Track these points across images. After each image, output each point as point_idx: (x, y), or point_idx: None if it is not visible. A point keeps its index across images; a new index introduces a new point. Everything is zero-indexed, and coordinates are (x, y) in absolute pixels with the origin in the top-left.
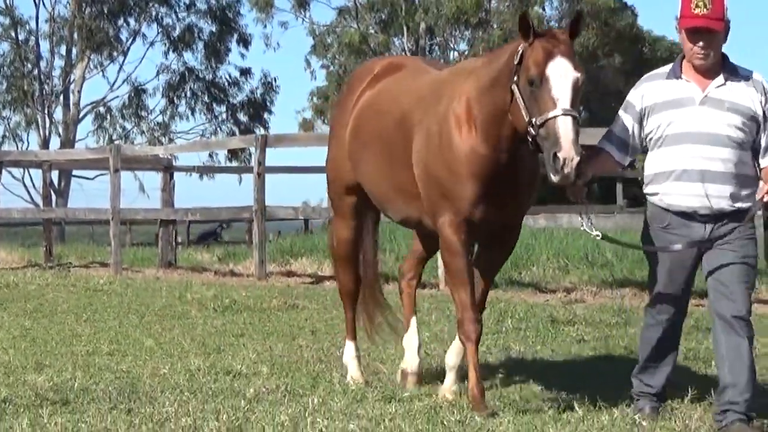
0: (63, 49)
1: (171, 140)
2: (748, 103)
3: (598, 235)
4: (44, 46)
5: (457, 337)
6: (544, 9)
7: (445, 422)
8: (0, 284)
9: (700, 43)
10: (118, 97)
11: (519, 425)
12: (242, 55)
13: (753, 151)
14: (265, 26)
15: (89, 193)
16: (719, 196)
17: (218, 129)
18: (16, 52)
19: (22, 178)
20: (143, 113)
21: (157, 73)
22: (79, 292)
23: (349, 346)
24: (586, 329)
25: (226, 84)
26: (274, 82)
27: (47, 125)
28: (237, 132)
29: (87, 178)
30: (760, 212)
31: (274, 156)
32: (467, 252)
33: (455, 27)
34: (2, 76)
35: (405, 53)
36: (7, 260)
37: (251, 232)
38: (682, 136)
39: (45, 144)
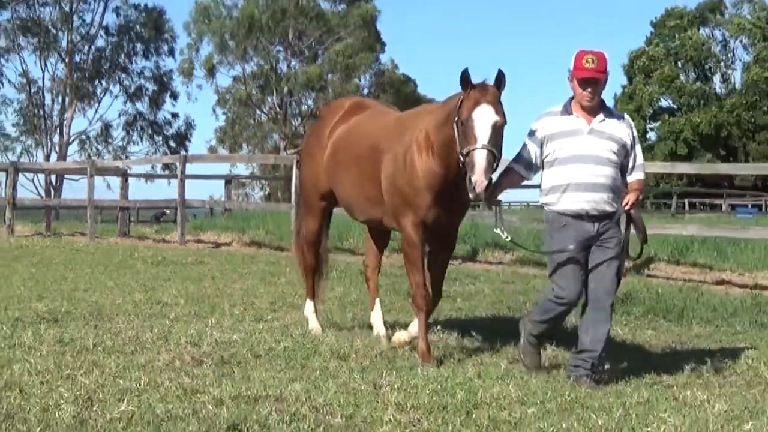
0: (59, 99)
1: (127, 157)
2: (621, 135)
3: (508, 238)
4: (47, 96)
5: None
6: (360, 80)
7: (293, 335)
8: (16, 246)
9: (588, 89)
10: (94, 129)
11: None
12: (173, 104)
13: (621, 169)
14: (188, 87)
15: (75, 189)
16: (603, 201)
17: (157, 151)
18: (29, 100)
19: (33, 180)
20: (109, 140)
21: (119, 115)
22: (67, 251)
23: (309, 304)
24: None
25: (162, 122)
26: (192, 122)
27: (48, 146)
28: (168, 152)
29: (74, 180)
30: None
31: (191, 168)
32: (423, 245)
33: (305, 90)
34: (21, 114)
35: (275, 107)
36: (22, 231)
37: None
38: (575, 157)
39: (47, 158)
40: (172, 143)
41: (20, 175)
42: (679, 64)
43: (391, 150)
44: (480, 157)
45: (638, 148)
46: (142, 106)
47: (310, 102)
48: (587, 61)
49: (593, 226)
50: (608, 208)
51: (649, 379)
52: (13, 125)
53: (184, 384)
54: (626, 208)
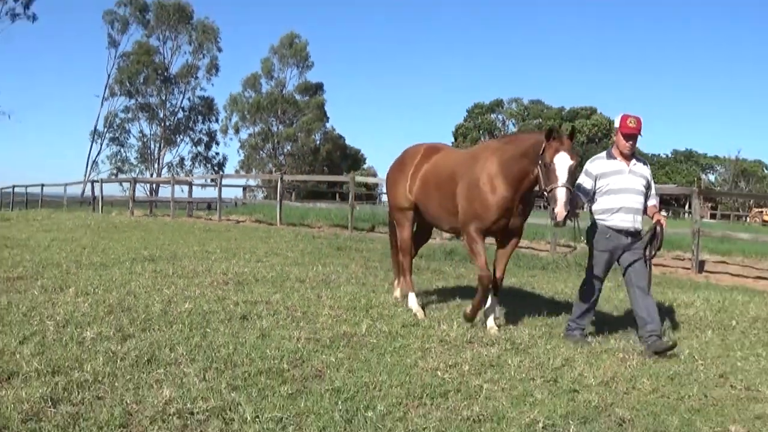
0: (158, 144)
1: (192, 175)
2: (646, 174)
3: (584, 241)
4: (152, 143)
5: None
6: (315, 137)
7: (276, 270)
8: (134, 222)
9: (630, 142)
10: (175, 160)
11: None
12: (216, 147)
13: (645, 198)
14: (224, 138)
15: (165, 192)
16: (638, 222)
17: (208, 172)
18: (143, 145)
19: (143, 186)
20: (183, 166)
21: (188, 153)
22: (159, 224)
23: (412, 296)
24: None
25: (211, 157)
26: (226, 157)
27: (152, 169)
28: (213, 173)
29: (164, 187)
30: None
31: (225, 181)
32: (483, 240)
33: (286, 141)
34: (139, 153)
35: (270, 150)
36: (137, 214)
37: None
38: (622, 189)
39: (151, 175)
40: (215, 168)
41: (137, 184)
42: (481, 131)
43: (465, 177)
44: (560, 194)
45: (653, 182)
46: (200, 148)
47: (288, 147)
48: (630, 122)
49: (627, 238)
50: (639, 227)
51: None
52: (135, 158)
53: (217, 294)
54: (661, 222)
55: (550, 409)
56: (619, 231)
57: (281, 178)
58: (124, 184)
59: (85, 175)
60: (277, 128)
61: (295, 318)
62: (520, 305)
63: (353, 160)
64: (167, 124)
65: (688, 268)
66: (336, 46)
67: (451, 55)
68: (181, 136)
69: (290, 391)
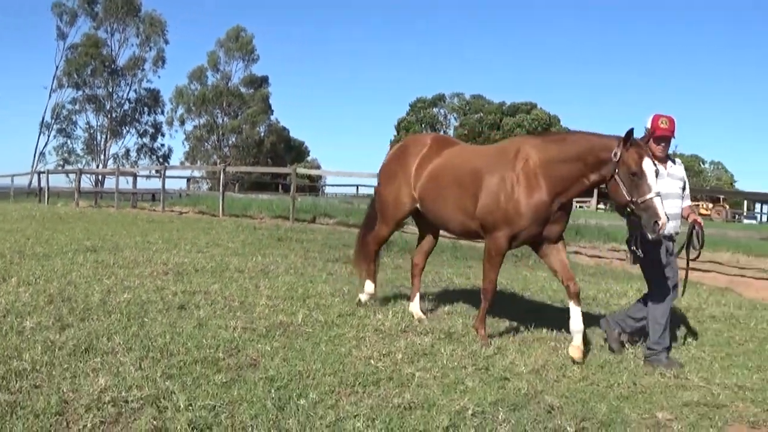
0: (104, 136)
1: (137, 167)
2: (682, 175)
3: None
4: (98, 134)
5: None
6: (260, 128)
7: (216, 260)
8: (79, 213)
9: (662, 144)
10: (120, 152)
11: None
12: (162, 139)
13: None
14: (170, 130)
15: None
16: (678, 226)
17: (153, 163)
18: (90, 136)
19: (89, 178)
20: (128, 157)
21: (134, 145)
22: (104, 215)
23: (369, 284)
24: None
25: (156, 149)
26: (171, 149)
27: (97, 161)
28: (158, 164)
29: (109, 178)
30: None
31: (170, 173)
32: (506, 253)
33: (231, 133)
34: (85, 144)
35: (215, 142)
36: (82, 205)
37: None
38: (663, 195)
39: (97, 167)
40: (160, 160)
41: (83, 175)
42: (423, 125)
43: (495, 174)
44: (658, 204)
45: (687, 183)
46: (146, 140)
47: (233, 139)
48: (663, 123)
49: (671, 243)
50: (678, 231)
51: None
52: (81, 150)
53: (157, 284)
54: (698, 221)
55: (481, 396)
56: (665, 238)
57: (224, 170)
58: (70, 175)
59: (33, 167)
60: (222, 120)
61: (232, 308)
62: (455, 295)
63: (297, 152)
64: (114, 115)
65: (623, 260)
66: (282, 39)
67: (395, 50)
68: (127, 128)
69: (224, 380)
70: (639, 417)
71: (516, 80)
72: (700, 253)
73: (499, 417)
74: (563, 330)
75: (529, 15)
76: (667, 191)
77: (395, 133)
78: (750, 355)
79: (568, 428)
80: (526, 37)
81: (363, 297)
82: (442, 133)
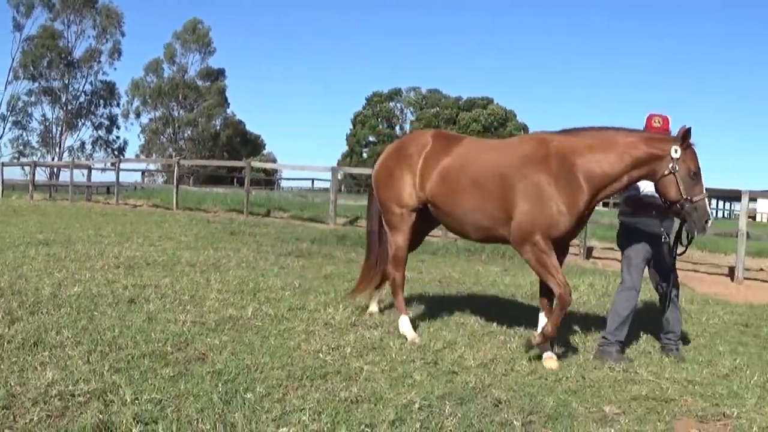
0: (59, 128)
1: (92, 159)
2: None
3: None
4: (54, 127)
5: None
6: (216, 122)
7: (168, 254)
8: (33, 205)
9: None
10: (76, 144)
11: None
12: (117, 131)
13: None
14: (126, 122)
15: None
16: (668, 227)
17: (108, 156)
18: (45, 128)
19: (44, 170)
20: (84, 150)
21: (89, 137)
22: (58, 208)
23: (404, 319)
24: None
25: (111, 141)
26: (127, 141)
27: (53, 153)
28: (114, 157)
29: (64, 170)
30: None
31: (125, 165)
32: (552, 250)
33: (187, 127)
34: (40, 136)
35: (170, 135)
36: (36, 198)
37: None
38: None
39: (52, 159)
40: (115, 152)
41: (37, 168)
42: (379, 119)
43: (529, 177)
44: (707, 204)
45: None
46: (101, 132)
47: (189, 132)
48: (656, 122)
49: (664, 245)
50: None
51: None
52: (36, 142)
53: (107, 277)
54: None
55: (428, 390)
56: (654, 237)
57: (178, 163)
58: (25, 167)
59: None
60: (178, 113)
61: (182, 301)
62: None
63: (253, 145)
64: (69, 108)
65: (577, 254)
66: (239, 32)
67: (351, 44)
68: (83, 120)
69: (172, 374)
70: (586, 411)
71: (473, 75)
72: (686, 249)
73: (446, 410)
74: (513, 324)
75: (486, 9)
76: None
77: (351, 127)
78: (701, 349)
79: (515, 422)
80: (483, 32)
81: (410, 337)
82: (397, 128)
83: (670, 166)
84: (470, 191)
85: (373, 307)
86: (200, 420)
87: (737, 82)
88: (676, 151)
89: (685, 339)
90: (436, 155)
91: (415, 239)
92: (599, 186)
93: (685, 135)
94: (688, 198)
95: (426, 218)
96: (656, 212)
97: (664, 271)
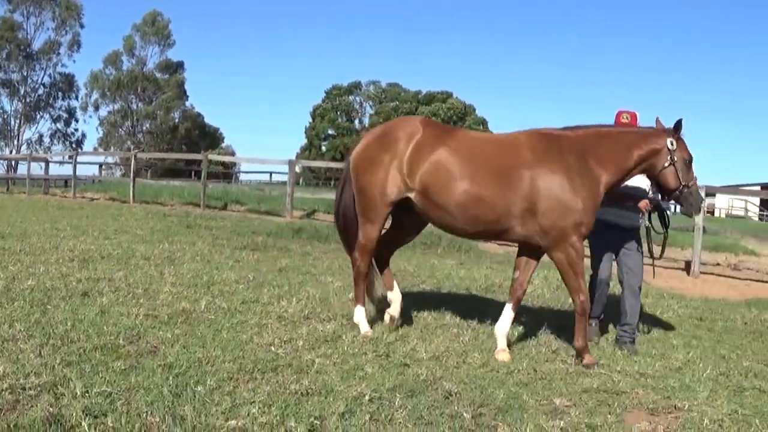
0: (18, 121)
1: (50, 152)
2: None
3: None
4: (12, 119)
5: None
6: (174, 114)
7: (123, 247)
8: None
9: None
10: (34, 137)
11: None
12: (75, 124)
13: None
14: (84, 115)
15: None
16: (635, 219)
17: (66, 149)
18: (3, 121)
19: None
20: (42, 143)
21: (48, 130)
22: (15, 201)
23: (359, 310)
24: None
25: (70, 134)
26: (85, 134)
27: (11, 146)
28: (72, 150)
29: (22, 163)
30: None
31: (83, 159)
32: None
33: (146, 119)
34: None
35: (129, 128)
36: None
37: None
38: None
39: (10, 152)
40: (74, 145)
41: None
42: (339, 113)
43: (550, 174)
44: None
45: None
46: (60, 125)
47: (147, 125)
48: (624, 118)
49: (624, 233)
50: (637, 224)
51: None
52: None
53: (62, 271)
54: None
55: (379, 382)
56: (620, 230)
57: (135, 156)
58: None
59: None
60: (137, 106)
61: (135, 295)
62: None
63: (212, 138)
64: (28, 100)
65: None
66: (198, 24)
67: (311, 37)
68: (41, 113)
69: (123, 367)
70: (537, 403)
71: (432, 69)
72: (666, 236)
73: (396, 403)
74: (467, 317)
75: (446, 4)
76: (638, 185)
77: (310, 120)
78: (654, 343)
79: (465, 414)
80: (443, 26)
81: (363, 330)
82: (357, 121)
83: (669, 157)
84: (475, 183)
85: (390, 294)
86: (150, 413)
87: (695, 78)
88: (672, 144)
89: (638, 331)
90: (429, 143)
91: (400, 237)
92: (611, 183)
93: (678, 126)
94: (686, 184)
95: (409, 215)
96: (633, 204)
97: (629, 263)
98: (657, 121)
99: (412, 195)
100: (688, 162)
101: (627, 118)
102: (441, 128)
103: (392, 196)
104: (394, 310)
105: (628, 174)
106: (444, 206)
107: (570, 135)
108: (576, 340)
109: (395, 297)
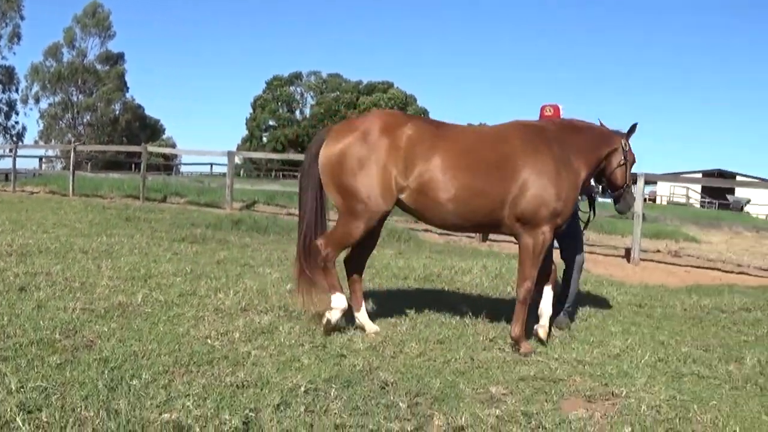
0: None
1: None
2: None
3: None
4: None
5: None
6: (115, 106)
7: (61, 241)
8: None
9: None
10: None
11: None
12: (16, 117)
13: None
14: (25, 108)
15: None
16: None
17: (7, 142)
18: None
19: None
20: None
21: None
22: None
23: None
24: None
25: (10, 127)
26: (26, 127)
27: None
28: (12, 143)
29: None
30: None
31: (23, 152)
32: None
33: (86, 112)
34: None
35: (69, 120)
36: None
37: None
38: None
39: None
40: (14, 138)
41: None
42: (279, 103)
43: (538, 163)
44: None
45: None
46: (0, 118)
47: (88, 117)
48: (547, 111)
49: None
50: None
51: None
52: None
53: None
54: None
55: (315, 373)
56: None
57: (74, 149)
58: None
59: None
60: (78, 98)
61: (72, 289)
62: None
63: (153, 130)
64: None
65: (473, 237)
66: (139, 15)
67: (251, 27)
68: None
69: (59, 362)
70: (473, 392)
71: (373, 59)
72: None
73: (332, 394)
74: (404, 307)
75: None
76: None
77: (251, 111)
78: (593, 330)
79: (401, 404)
80: (384, 16)
81: (334, 315)
82: (297, 112)
83: (623, 157)
84: (474, 176)
85: (359, 316)
86: (84, 407)
87: (632, 68)
88: (626, 145)
89: (577, 319)
90: (423, 138)
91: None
92: (586, 177)
93: (632, 130)
94: (629, 184)
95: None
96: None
97: (571, 244)
98: (600, 122)
99: (403, 195)
100: (632, 164)
101: (550, 111)
102: (429, 122)
103: (388, 199)
104: (370, 328)
105: (596, 168)
106: (443, 202)
107: (551, 127)
108: (513, 329)
109: (363, 319)
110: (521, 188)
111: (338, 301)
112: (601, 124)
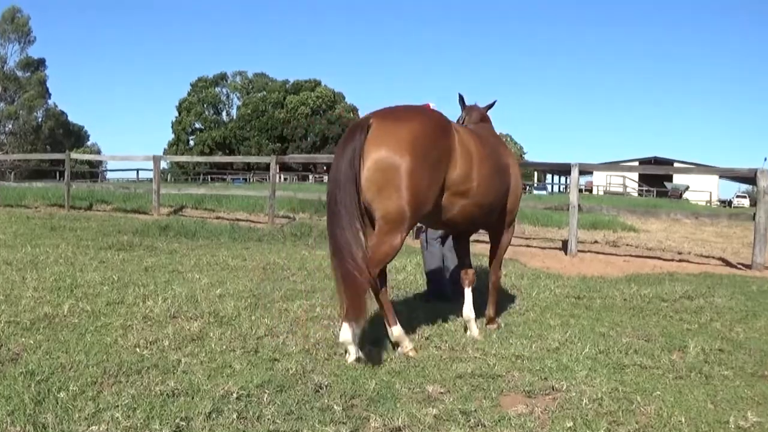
0: None
1: None
2: None
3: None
4: None
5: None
6: (37, 114)
7: (26, 252)
8: None
9: None
10: None
11: None
12: None
13: None
14: None
15: None
16: None
17: None
18: None
19: None
20: None
21: None
22: None
23: (396, 329)
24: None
25: None
26: None
27: None
28: None
29: None
30: None
31: None
32: None
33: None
34: None
35: None
36: None
37: None
38: None
39: None
40: None
41: None
42: (206, 105)
43: (513, 168)
44: None
45: None
46: None
47: (10, 126)
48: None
49: None
50: None
51: None
52: None
53: None
54: None
55: (247, 379)
56: None
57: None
58: None
59: None
60: None
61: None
62: (227, 278)
63: (77, 137)
64: None
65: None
66: (59, 20)
67: (174, 29)
68: None
69: None
70: (410, 391)
71: (299, 57)
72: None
73: (265, 399)
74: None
75: None
76: None
77: (177, 114)
78: (530, 324)
79: (335, 406)
80: (308, 13)
81: (406, 346)
82: (224, 113)
83: None
84: (501, 180)
85: (395, 331)
86: (11, 422)
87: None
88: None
89: (515, 314)
90: (465, 141)
91: None
92: None
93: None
94: None
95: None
96: None
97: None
98: (461, 97)
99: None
100: None
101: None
102: (450, 122)
103: (434, 199)
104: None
105: None
106: (467, 206)
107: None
108: (488, 309)
109: (399, 334)
110: (512, 188)
111: (398, 332)
112: (462, 99)
